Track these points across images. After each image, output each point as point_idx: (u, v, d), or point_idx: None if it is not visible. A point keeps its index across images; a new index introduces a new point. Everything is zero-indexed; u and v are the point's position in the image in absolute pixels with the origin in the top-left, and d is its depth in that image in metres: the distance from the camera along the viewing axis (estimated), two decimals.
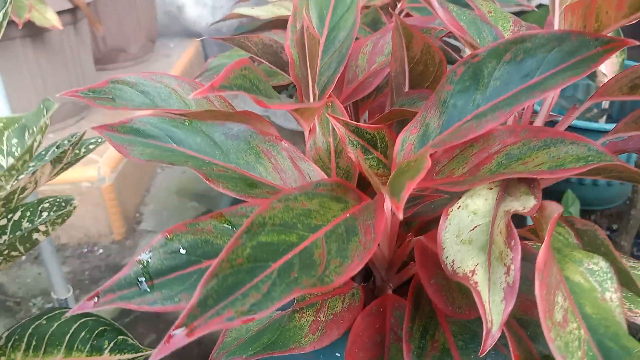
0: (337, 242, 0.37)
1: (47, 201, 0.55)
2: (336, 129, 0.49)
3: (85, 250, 1.38)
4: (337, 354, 0.45)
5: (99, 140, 0.68)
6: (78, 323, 0.59)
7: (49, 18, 1.13)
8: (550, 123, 0.69)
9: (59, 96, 0.55)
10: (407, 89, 0.58)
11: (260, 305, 0.31)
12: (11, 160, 0.38)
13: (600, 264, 0.39)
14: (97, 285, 1.26)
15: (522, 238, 0.41)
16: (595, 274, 0.39)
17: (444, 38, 0.72)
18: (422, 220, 0.55)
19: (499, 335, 0.34)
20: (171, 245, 0.37)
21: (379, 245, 0.51)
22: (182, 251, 0.37)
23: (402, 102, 0.56)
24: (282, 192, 0.39)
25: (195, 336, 0.30)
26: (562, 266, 0.39)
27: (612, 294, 0.38)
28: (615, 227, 1.19)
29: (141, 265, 0.36)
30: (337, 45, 0.59)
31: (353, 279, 0.57)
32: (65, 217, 0.52)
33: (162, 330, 1.05)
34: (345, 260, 0.36)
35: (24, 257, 1.26)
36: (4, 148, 0.38)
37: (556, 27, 0.47)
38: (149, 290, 0.35)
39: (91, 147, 0.66)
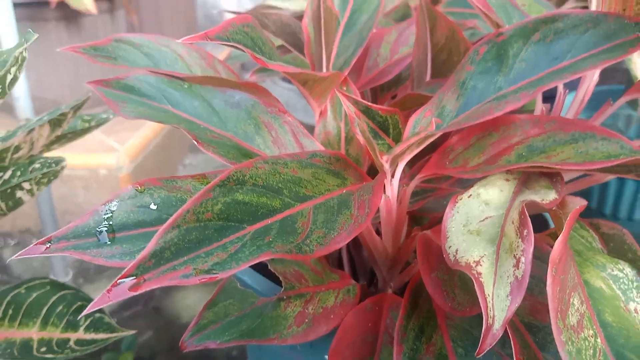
0: (325, 213, 0.33)
1: (38, 161, 0.53)
2: (344, 107, 0.45)
3: None
4: (326, 357, 0.40)
5: (111, 115, 0.65)
6: (57, 295, 0.56)
7: (84, 1, 1.13)
8: None
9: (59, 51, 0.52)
10: (428, 78, 0.54)
11: (223, 265, 0.27)
12: None
13: (625, 271, 0.34)
14: (101, 276, 1.24)
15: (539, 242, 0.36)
16: (619, 280, 0.34)
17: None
18: (434, 217, 0.50)
19: (500, 334, 0.29)
20: (141, 199, 0.33)
21: (381, 239, 0.46)
22: (153, 207, 0.34)
23: (421, 91, 0.52)
24: (271, 156, 0.35)
25: (141, 290, 0.26)
26: (581, 269, 0.34)
27: (637, 305, 0.33)
28: None
29: (104, 215, 0.32)
30: (358, 27, 0.55)
31: (355, 277, 0.53)
32: (52, 177, 0.49)
33: (162, 327, 1.01)
34: (331, 231, 0.31)
35: None
36: None
37: (593, 8, 0.42)
38: (108, 242, 0.31)
39: (103, 117, 0.64)
